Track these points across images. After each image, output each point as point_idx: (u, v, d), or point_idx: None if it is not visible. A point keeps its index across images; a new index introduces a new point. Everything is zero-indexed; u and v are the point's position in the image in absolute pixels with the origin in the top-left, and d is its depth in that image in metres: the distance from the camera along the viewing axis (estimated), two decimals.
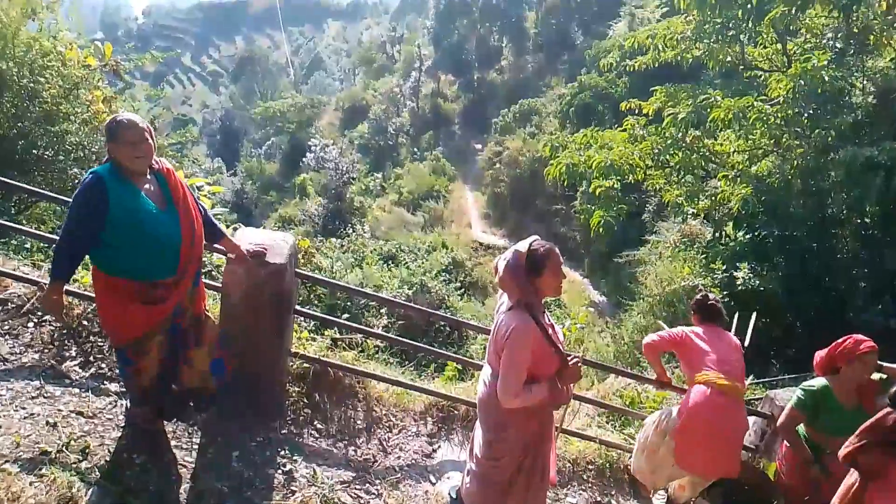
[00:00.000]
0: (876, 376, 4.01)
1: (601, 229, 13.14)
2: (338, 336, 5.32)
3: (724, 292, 10.90)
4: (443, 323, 14.43)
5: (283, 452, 4.15)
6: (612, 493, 4.73)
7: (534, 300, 3.19)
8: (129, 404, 3.91)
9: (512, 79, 54.24)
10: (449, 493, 4.11)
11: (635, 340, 13.04)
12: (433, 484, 4.29)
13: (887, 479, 1.80)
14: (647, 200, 22.92)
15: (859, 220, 11.13)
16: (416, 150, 49.37)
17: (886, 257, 10.23)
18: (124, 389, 4.00)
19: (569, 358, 3.25)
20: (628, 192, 16.57)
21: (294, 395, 4.59)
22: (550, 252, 3.16)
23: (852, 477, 2.04)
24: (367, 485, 4.13)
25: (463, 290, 20.07)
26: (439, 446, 4.67)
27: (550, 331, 3.23)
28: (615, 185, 13.26)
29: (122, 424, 3.83)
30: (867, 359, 3.82)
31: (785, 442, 4.15)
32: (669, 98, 13.41)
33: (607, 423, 5.56)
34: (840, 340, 3.94)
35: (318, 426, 4.51)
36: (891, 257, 10.12)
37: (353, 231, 24.38)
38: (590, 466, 4.82)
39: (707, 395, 4.02)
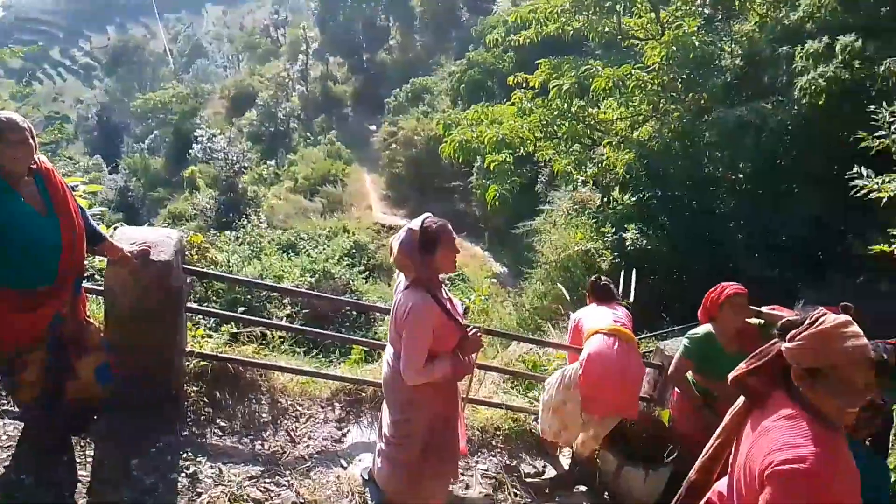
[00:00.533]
0: (756, 321, 4.30)
1: (497, 203, 13.37)
2: (236, 331, 5.17)
3: (615, 254, 11.41)
4: (349, 308, 14.32)
5: (185, 455, 4.01)
6: (521, 455, 4.88)
7: (430, 277, 3.21)
8: (15, 421, 3.67)
9: (402, 58, 53.93)
10: (361, 475, 4.12)
11: (536, 307, 13.43)
12: (345, 468, 4.28)
13: (766, 405, 1.96)
14: (540, 171, 23.50)
15: (734, 178, 11.89)
16: (309, 135, 48.30)
17: (761, 212, 10.98)
18: (8, 407, 3.74)
19: (469, 330, 3.30)
20: (521, 164, 16.93)
21: (193, 395, 4.44)
22: (443, 228, 3.19)
23: (738, 403, 2.20)
24: (277, 477, 4.07)
25: (367, 273, 19.93)
26: (349, 430, 4.66)
27: (449, 305, 3.27)
28: (508, 159, 13.51)
29: (7, 445, 3.58)
30: (734, 301, 4.09)
31: (676, 389, 4.42)
32: (554, 70, 13.74)
33: (512, 388, 5.72)
34: (711, 290, 4.21)
35: (222, 424, 4.39)
36: (765, 211, 10.87)
37: (249, 222, 23.62)
38: (498, 432, 4.95)
39: (602, 339, 4.25)
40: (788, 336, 1.88)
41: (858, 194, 5.72)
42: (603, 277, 4.76)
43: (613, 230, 12.00)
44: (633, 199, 12.22)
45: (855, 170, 5.77)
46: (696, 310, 4.39)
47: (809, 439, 1.74)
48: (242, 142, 41.09)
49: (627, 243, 11.48)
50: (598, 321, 4.39)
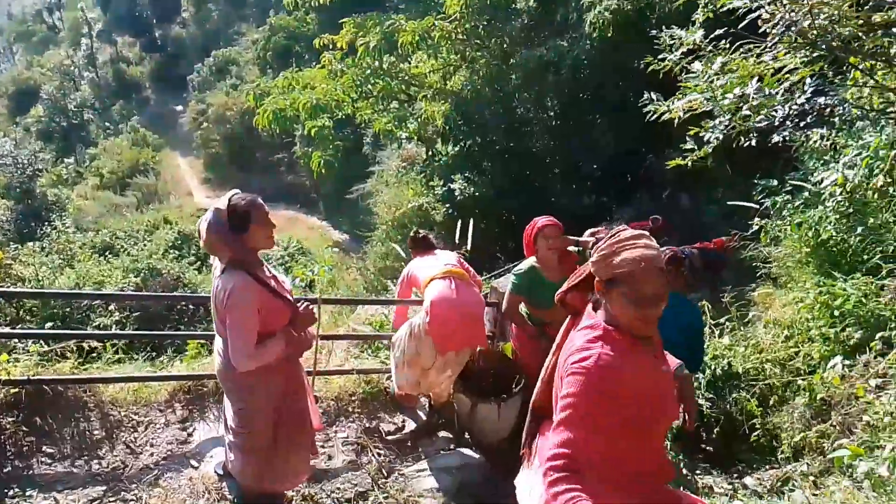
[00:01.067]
0: (575, 248, 4.58)
1: (323, 169, 13.11)
2: (48, 348, 4.67)
3: (447, 205, 11.65)
4: (184, 303, 13.51)
5: (11, 493, 3.62)
6: (380, 415, 4.90)
7: (247, 256, 3.06)
8: None
9: (199, 31, 50.70)
10: (216, 472, 3.93)
11: (380, 268, 13.48)
12: (196, 468, 4.06)
13: (579, 314, 2.09)
14: (364, 133, 23.36)
15: (544, 116, 12.48)
16: (108, 124, 44.34)
17: (571, 146, 11.64)
18: None
19: (298, 304, 3.20)
20: (342, 128, 16.67)
21: (9, 426, 3.98)
22: (253, 203, 3.03)
23: (565, 322, 2.33)
24: (123, 493, 3.78)
25: (199, 262, 18.89)
26: (194, 429, 4.41)
27: (273, 283, 3.15)
28: (327, 124, 13.22)
29: None
30: (546, 233, 4.36)
31: (512, 323, 4.63)
32: (359, 29, 13.50)
33: (363, 353, 5.70)
34: (528, 226, 4.43)
35: (49, 451, 3.99)
36: (575, 144, 11.54)
37: (54, 229, 21.39)
38: (353, 398, 4.93)
39: (440, 283, 4.38)
40: (592, 252, 2.00)
41: (653, 118, 6.22)
42: (421, 231, 4.97)
43: (441, 182, 12.22)
44: (456, 149, 12.47)
45: (646, 96, 6.24)
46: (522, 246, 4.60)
47: (600, 342, 1.88)
48: (32, 142, 36.85)
49: (456, 193, 11.76)
50: (431, 269, 4.50)
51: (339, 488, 4.13)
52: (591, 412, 1.81)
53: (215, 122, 35.51)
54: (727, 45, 4.17)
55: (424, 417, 4.92)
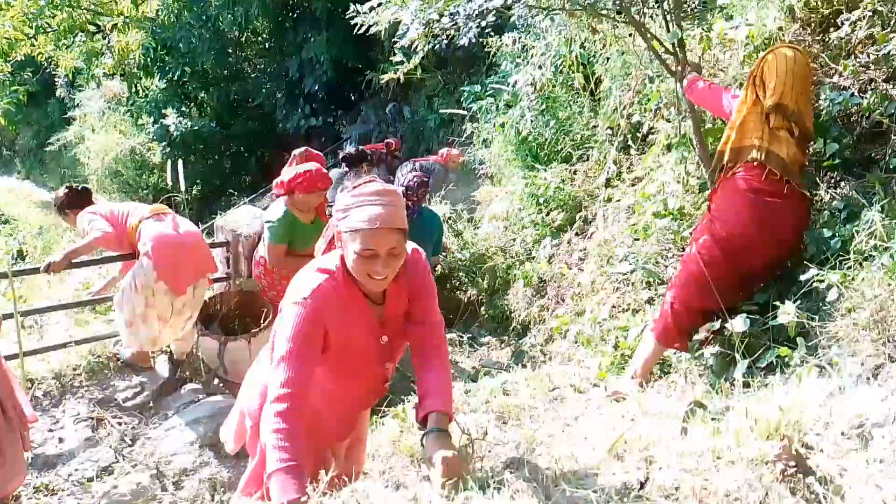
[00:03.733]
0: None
1: (4, 120, 11.20)
2: None
3: (163, 143, 10.71)
4: None
5: None
6: (113, 383, 4.44)
7: None
8: None
9: None
10: None
11: None
12: None
13: None
14: (55, 73, 20.26)
15: (256, 38, 11.86)
16: None
17: (289, 66, 11.25)
18: None
19: None
20: (22, 69, 14.26)
21: None
22: None
23: None
24: None
25: None
26: None
27: None
28: (2, 68, 11.20)
29: None
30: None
31: (259, 258, 4.46)
32: None
33: (87, 322, 5.12)
34: (296, 175, 4.21)
35: None
36: (293, 66, 11.16)
37: None
38: (77, 372, 4.44)
39: (151, 222, 4.15)
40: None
41: (362, 31, 6.17)
42: (72, 183, 4.63)
43: (152, 120, 11.15)
44: (164, 81, 11.37)
45: (352, 8, 6.15)
46: (259, 178, 4.38)
47: (326, 276, 1.88)
48: None
49: (171, 129, 10.82)
50: (136, 213, 4.18)
51: (77, 469, 3.75)
52: (304, 343, 1.81)
53: None
54: None
55: (166, 374, 4.62)
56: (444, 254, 5.74)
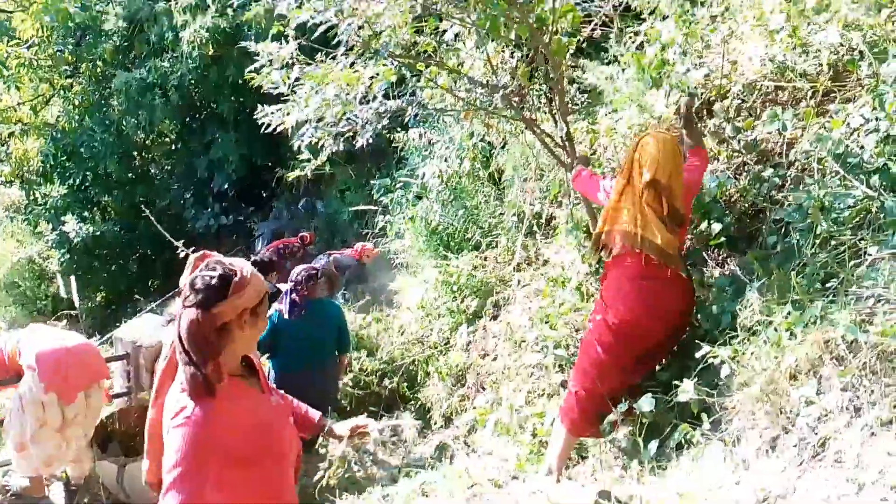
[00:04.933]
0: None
1: None
2: None
3: (63, 251, 10.28)
4: None
5: None
6: None
7: None
8: None
9: None
10: None
11: None
12: None
13: None
14: None
15: (161, 139, 11.76)
16: None
17: (195, 166, 11.15)
18: None
19: None
20: None
21: None
22: None
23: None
24: None
25: None
26: None
27: None
28: None
29: None
30: None
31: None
32: None
33: None
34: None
35: None
36: (201, 164, 11.06)
37: None
38: None
39: (28, 334, 4.06)
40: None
41: (269, 130, 6.22)
42: None
43: (51, 226, 10.71)
44: (65, 187, 11.02)
45: (259, 109, 6.22)
46: (168, 281, 4.22)
47: (191, 400, 1.78)
48: None
49: (72, 235, 10.41)
50: (13, 336, 4.18)
51: None
52: (201, 464, 1.70)
53: None
54: (324, 58, 4.34)
55: (66, 502, 4.27)
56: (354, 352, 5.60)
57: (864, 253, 2.36)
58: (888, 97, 2.59)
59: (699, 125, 3.58)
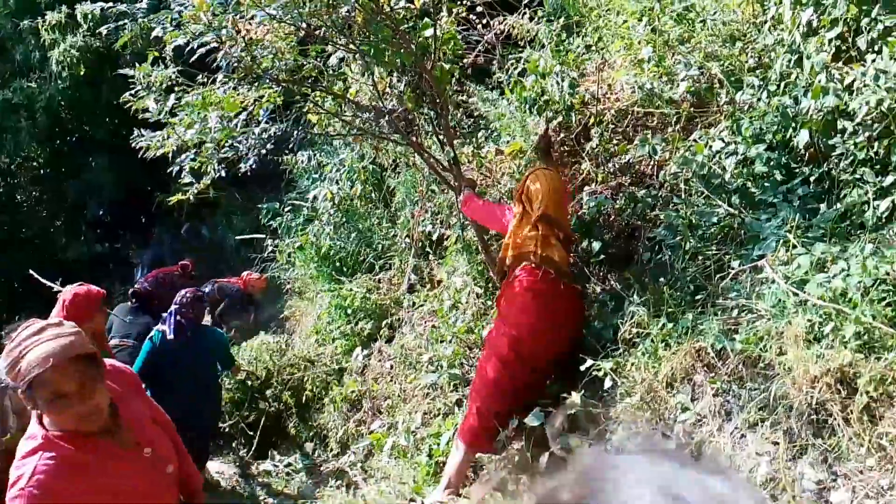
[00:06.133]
0: None
1: None
2: None
3: None
4: None
5: None
6: None
7: None
8: None
9: None
10: None
11: None
12: None
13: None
14: None
15: (29, 164, 10.97)
16: None
17: (66, 192, 10.47)
18: None
19: None
20: None
21: None
22: None
23: None
24: None
25: None
26: None
27: None
28: None
29: None
30: (105, 308, 3.87)
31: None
32: None
33: None
34: (70, 303, 3.73)
35: None
36: (74, 189, 10.39)
37: None
38: None
39: None
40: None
41: (147, 154, 5.92)
42: None
43: None
44: None
45: (135, 133, 5.92)
46: (42, 315, 3.83)
47: (38, 454, 1.61)
48: None
49: None
50: None
51: None
52: None
53: None
54: (205, 81, 4.20)
55: None
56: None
57: (728, 266, 2.55)
58: (744, 122, 2.83)
59: (556, 153, 3.79)
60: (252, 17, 3.14)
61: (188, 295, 4.45)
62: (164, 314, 4.50)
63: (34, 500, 1.58)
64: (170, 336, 4.23)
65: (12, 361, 1.59)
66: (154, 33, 3.27)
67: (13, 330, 1.68)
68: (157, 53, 3.40)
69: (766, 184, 2.72)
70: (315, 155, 6.45)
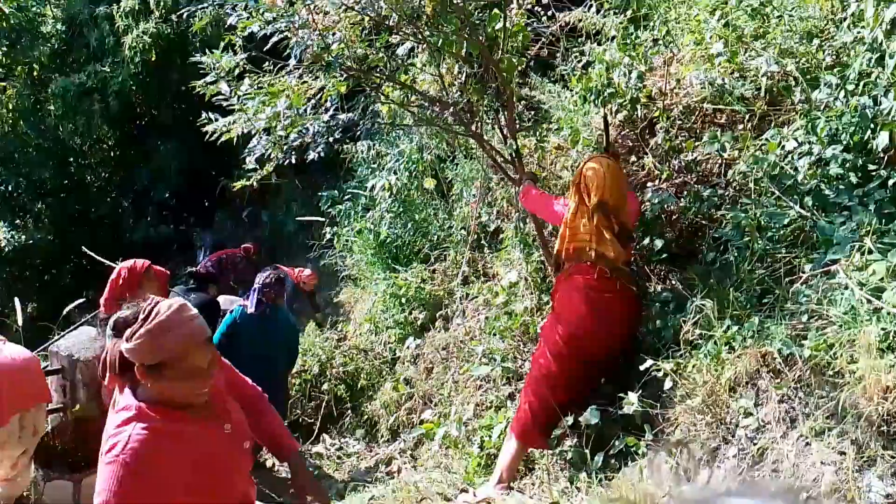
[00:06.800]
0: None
1: None
2: None
3: None
4: None
5: None
6: None
7: None
8: None
9: None
10: None
11: None
12: None
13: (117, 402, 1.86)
14: None
15: (99, 146, 11.38)
16: None
17: (135, 174, 10.84)
18: None
19: None
20: None
21: None
22: None
23: None
24: None
25: None
26: None
27: None
28: None
29: None
30: (151, 274, 3.98)
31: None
32: None
33: None
34: (113, 277, 3.91)
35: None
36: (141, 172, 10.76)
37: None
38: None
39: None
40: (125, 336, 1.76)
41: (213, 138, 6.08)
42: None
43: None
44: None
45: (203, 116, 6.08)
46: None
47: (133, 423, 1.72)
48: None
49: (2, 244, 9.98)
50: None
51: None
52: (130, 502, 1.65)
53: None
54: (271, 67, 4.28)
55: None
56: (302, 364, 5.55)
57: (798, 270, 2.47)
58: (820, 122, 2.73)
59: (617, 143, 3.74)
60: (324, 5, 3.18)
61: (272, 275, 4.69)
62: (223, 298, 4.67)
63: (128, 468, 1.66)
64: (250, 310, 4.46)
65: (152, 338, 1.67)
66: (230, 21, 3.35)
67: (133, 306, 1.78)
68: (232, 38, 3.49)
69: (840, 186, 2.62)
70: (374, 144, 6.51)
